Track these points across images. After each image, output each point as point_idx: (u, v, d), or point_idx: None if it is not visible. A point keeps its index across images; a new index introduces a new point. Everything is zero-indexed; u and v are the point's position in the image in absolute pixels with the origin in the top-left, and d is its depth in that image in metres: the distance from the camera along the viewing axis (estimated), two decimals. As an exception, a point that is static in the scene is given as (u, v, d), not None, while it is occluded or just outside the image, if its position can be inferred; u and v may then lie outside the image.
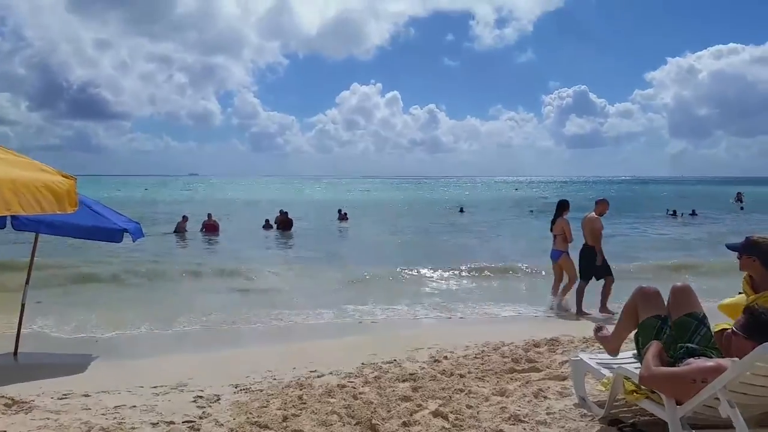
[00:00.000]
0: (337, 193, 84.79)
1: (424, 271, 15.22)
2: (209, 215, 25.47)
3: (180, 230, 24.14)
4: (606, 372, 4.56)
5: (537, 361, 6.43)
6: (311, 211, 38.83)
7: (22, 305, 8.01)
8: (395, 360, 6.85)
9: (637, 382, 3.93)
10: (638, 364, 4.17)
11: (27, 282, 8.02)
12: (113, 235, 7.61)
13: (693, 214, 36.12)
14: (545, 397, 5.18)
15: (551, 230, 10.84)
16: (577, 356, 5.14)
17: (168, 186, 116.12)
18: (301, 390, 5.66)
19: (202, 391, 5.79)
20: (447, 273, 15.01)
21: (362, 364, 6.74)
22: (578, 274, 10.42)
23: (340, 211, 32.81)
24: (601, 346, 5.05)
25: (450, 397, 5.19)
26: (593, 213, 10.34)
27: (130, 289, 13.14)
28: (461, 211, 38.33)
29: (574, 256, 10.59)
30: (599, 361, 4.87)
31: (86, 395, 5.60)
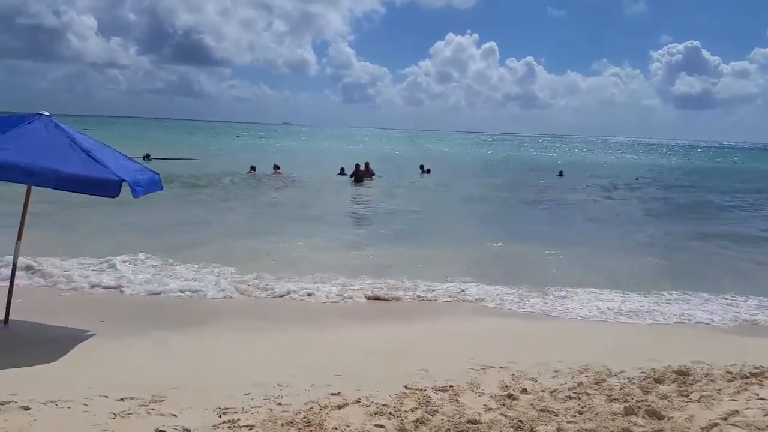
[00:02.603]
0: (423, 147, 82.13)
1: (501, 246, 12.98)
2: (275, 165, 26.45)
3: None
4: None
5: (662, 416, 4.26)
6: (393, 165, 36.78)
7: (14, 264, 6.72)
8: (450, 387, 4.89)
9: None
10: None
11: (18, 238, 6.69)
12: (105, 186, 5.97)
13: None
14: None
15: None
16: None
17: (263, 135, 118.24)
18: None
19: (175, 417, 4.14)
20: (534, 249, 12.67)
21: (405, 388, 4.84)
22: None
23: (422, 166, 30.74)
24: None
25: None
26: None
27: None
28: (560, 174, 34.44)
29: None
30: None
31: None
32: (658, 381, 5.01)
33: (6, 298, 6.62)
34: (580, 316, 7.84)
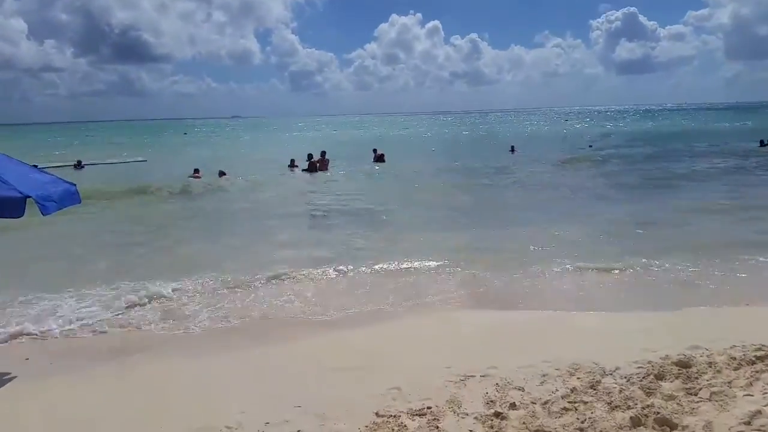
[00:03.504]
0: (376, 131, 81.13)
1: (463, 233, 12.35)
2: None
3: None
4: None
5: (675, 424, 3.68)
6: (346, 151, 35.75)
7: None
8: (428, 409, 4.21)
9: None
10: None
11: None
12: (6, 205, 5.06)
13: None
14: None
15: None
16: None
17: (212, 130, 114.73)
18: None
19: None
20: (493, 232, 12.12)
21: (376, 416, 4.14)
22: None
23: (375, 150, 29.70)
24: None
25: None
26: None
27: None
28: (512, 150, 33.81)
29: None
30: None
31: None
32: (660, 377, 4.44)
33: None
34: (558, 306, 7.20)
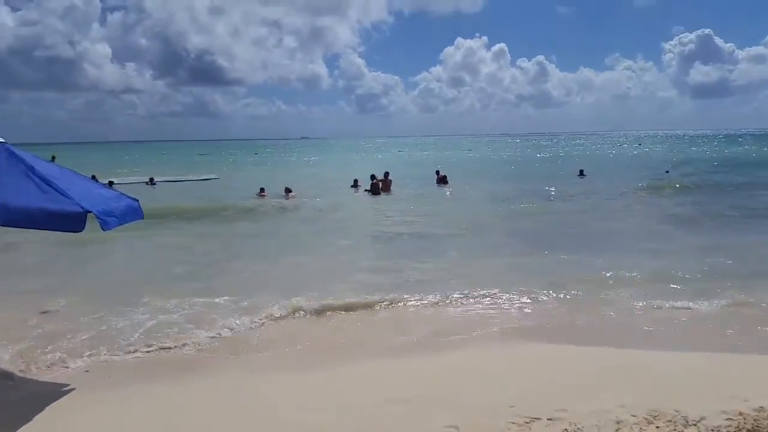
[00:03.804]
0: (440, 153, 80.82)
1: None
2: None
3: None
4: None
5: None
6: (410, 172, 35.62)
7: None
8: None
9: None
10: None
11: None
12: (67, 219, 5.11)
13: None
14: None
15: None
16: None
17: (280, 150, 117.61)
18: None
19: None
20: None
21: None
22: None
23: (438, 172, 29.44)
24: None
25: None
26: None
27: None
28: (581, 174, 32.61)
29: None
30: None
31: None
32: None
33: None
34: (636, 343, 6.63)
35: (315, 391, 5.35)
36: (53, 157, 40.37)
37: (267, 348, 6.79)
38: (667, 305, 8.00)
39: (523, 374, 5.65)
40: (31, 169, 5.29)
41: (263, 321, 7.66)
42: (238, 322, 7.58)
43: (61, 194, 5.21)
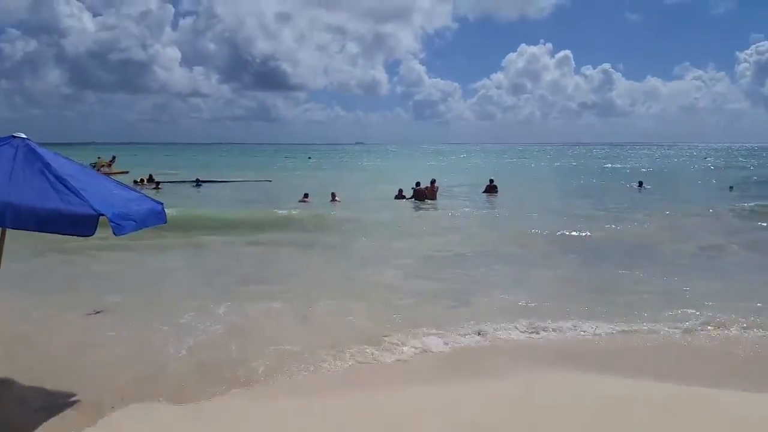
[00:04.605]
0: (496, 161, 79.22)
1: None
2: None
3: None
4: None
5: None
6: (462, 179, 34.73)
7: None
8: None
9: None
10: None
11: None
12: (78, 222, 4.76)
13: None
14: None
15: None
16: None
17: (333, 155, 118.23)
18: None
19: None
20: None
21: None
22: None
23: (491, 181, 28.60)
24: None
25: None
26: None
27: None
28: (640, 186, 31.11)
29: None
30: None
31: None
32: None
33: None
34: (703, 380, 5.79)
35: (378, 405, 4.85)
36: (113, 158, 42.08)
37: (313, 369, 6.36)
38: (742, 338, 7.09)
39: (575, 411, 4.98)
40: (47, 166, 5.03)
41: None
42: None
43: (74, 193, 4.90)
